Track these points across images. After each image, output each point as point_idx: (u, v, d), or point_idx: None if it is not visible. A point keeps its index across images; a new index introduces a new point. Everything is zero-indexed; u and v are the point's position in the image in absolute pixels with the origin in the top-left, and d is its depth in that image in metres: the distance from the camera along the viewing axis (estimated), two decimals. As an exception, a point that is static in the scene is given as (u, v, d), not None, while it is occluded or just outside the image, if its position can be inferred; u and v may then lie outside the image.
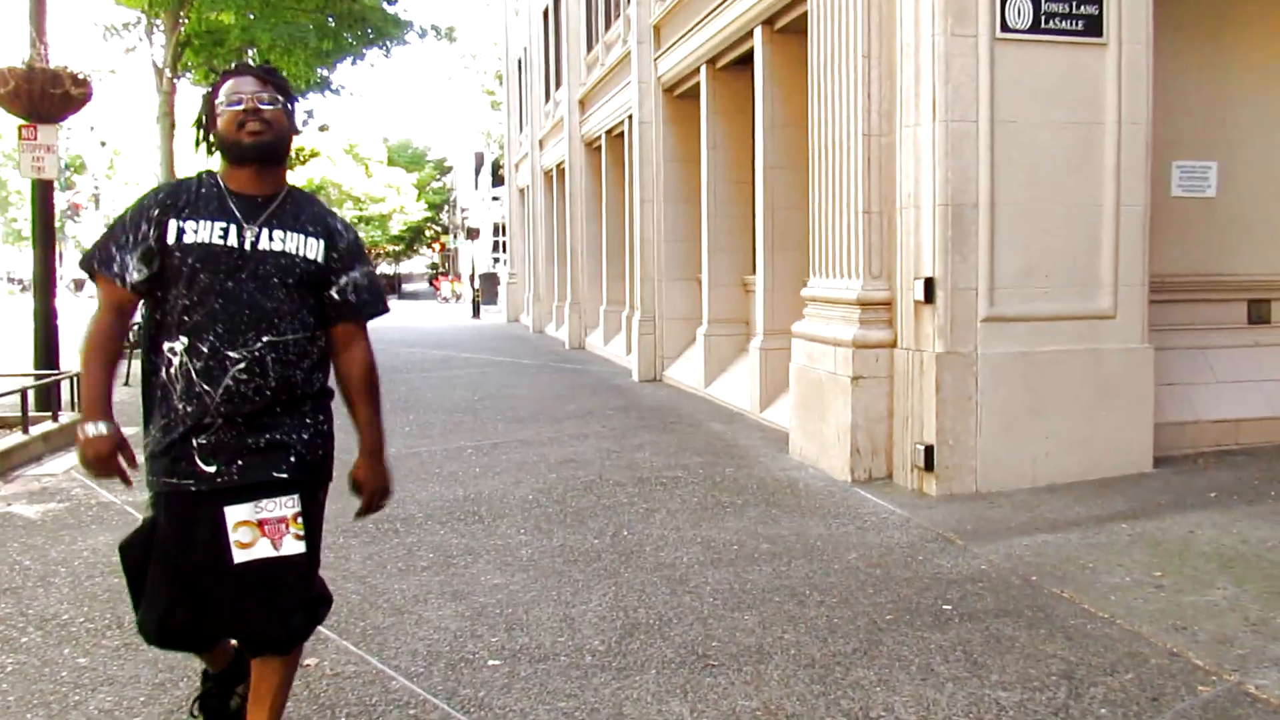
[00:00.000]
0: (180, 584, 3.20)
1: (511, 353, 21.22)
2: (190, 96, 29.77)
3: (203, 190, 3.25)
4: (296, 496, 3.21)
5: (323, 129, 46.04)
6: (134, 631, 3.88)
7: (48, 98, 11.42)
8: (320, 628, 4.02)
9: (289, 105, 3.36)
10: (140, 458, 3.24)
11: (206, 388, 3.13)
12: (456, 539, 6.58)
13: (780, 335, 10.41)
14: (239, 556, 3.12)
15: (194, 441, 3.14)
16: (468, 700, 4.12)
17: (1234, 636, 4.60)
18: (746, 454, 9.31)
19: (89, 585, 5.64)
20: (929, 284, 7.45)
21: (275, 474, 3.18)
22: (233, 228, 3.20)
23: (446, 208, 79.57)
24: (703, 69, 13.38)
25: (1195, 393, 8.83)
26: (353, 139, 73.97)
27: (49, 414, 10.42)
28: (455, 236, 72.51)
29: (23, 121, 11.63)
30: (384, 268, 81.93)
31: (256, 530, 3.15)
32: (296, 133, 3.39)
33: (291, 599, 3.22)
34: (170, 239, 3.17)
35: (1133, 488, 7.40)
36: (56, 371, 11.45)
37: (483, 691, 4.20)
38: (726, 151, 13.18)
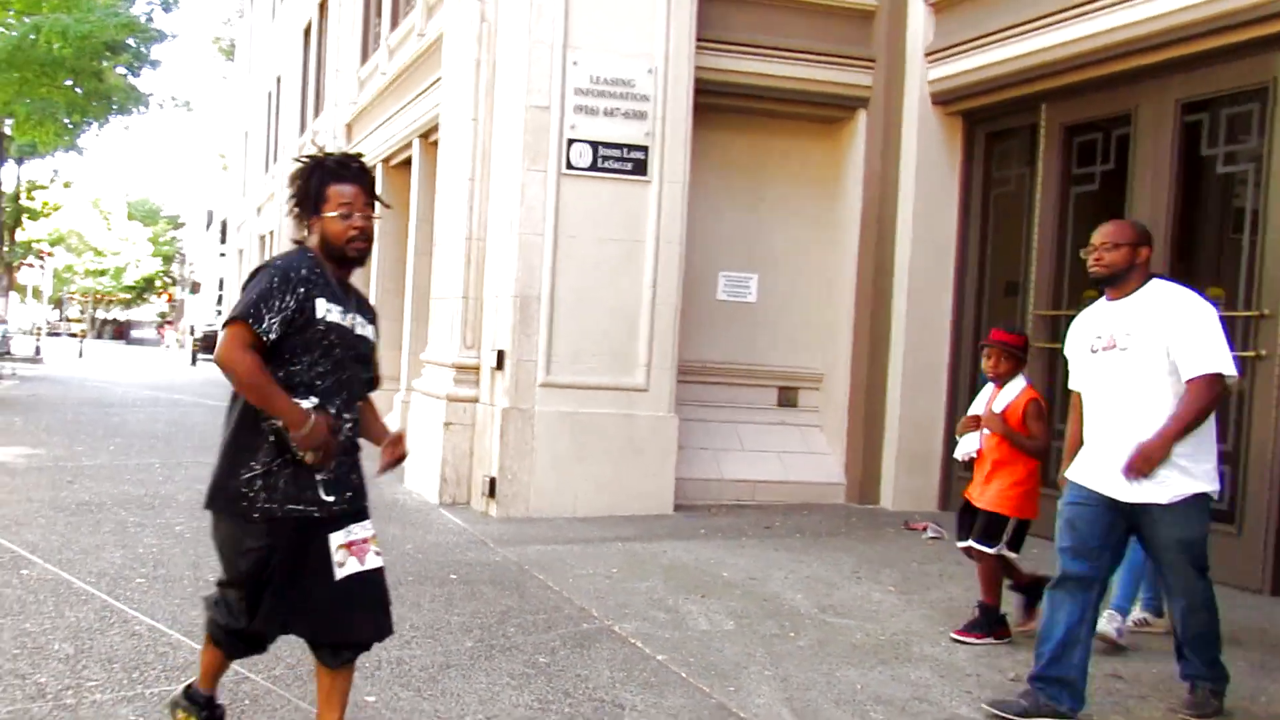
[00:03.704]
0: (282, 591, 3.65)
1: (215, 397, 22.01)
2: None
3: (322, 273, 3.64)
4: (369, 522, 3.78)
5: (66, 185, 45.64)
6: None
7: None
8: (31, 555, 6.76)
9: (374, 207, 3.78)
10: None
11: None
12: (132, 518, 8.28)
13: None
14: (338, 573, 3.63)
15: (317, 477, 3.61)
16: (123, 597, 5.99)
17: (629, 604, 6.39)
18: (372, 482, 10.81)
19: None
20: (500, 355, 9.21)
21: (363, 505, 3.79)
22: (346, 313, 3.67)
23: (178, 260, 78.70)
24: (379, 166, 14.98)
25: (724, 457, 10.73)
26: (97, 193, 73.74)
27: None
28: (184, 289, 72.37)
29: None
30: (115, 314, 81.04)
31: (347, 551, 3.66)
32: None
33: (378, 602, 3.77)
34: (318, 314, 3.56)
35: (647, 523, 9.16)
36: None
37: (135, 594, 6.07)
38: (393, 237, 14.72)
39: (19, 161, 36.40)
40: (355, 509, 3.73)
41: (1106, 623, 5.66)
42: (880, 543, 8.87)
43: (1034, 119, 9.65)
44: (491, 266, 9.60)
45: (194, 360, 40.06)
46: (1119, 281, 4.70)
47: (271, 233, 25.77)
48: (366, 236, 3.66)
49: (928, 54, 10.41)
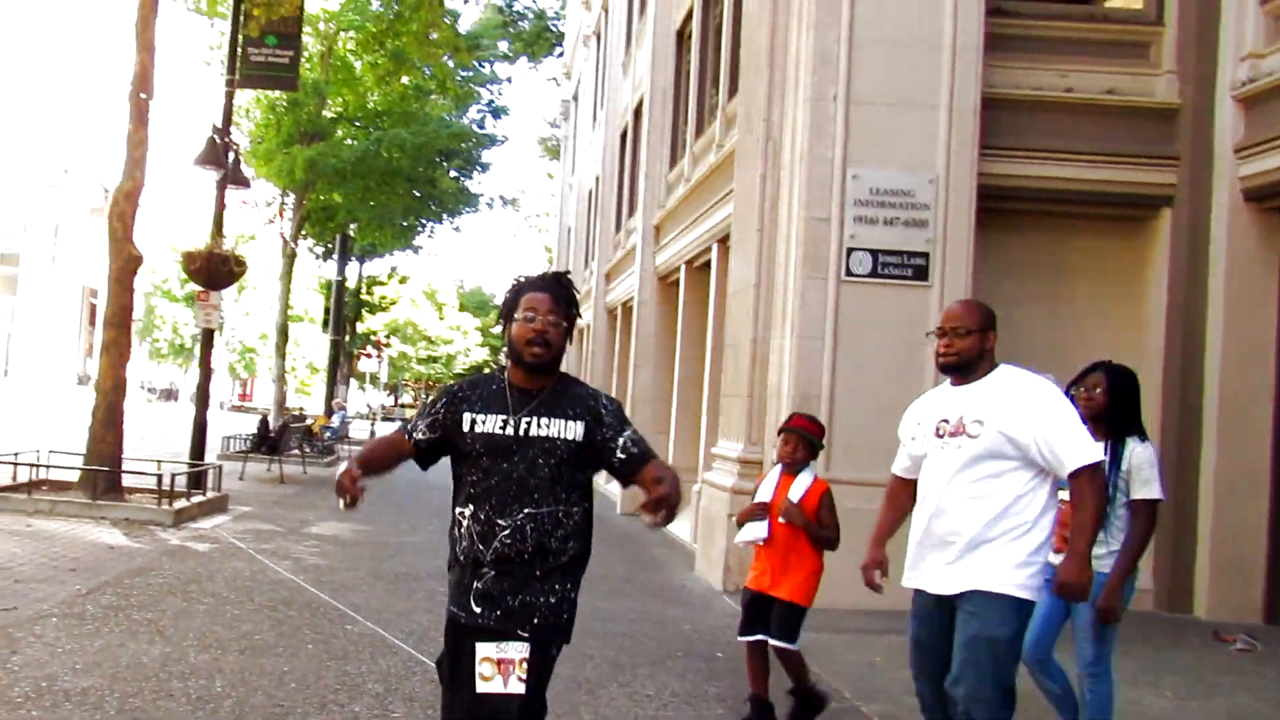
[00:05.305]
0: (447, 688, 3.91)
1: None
2: (305, 260, 37.29)
3: (493, 387, 3.88)
4: (528, 645, 3.72)
5: (403, 281, 50.30)
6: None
7: (219, 273, 15.81)
8: (355, 614, 8.38)
9: (572, 318, 3.88)
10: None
11: (481, 547, 3.76)
12: (441, 588, 9.45)
13: (710, 484, 12.96)
14: (480, 687, 3.70)
15: (473, 585, 3.78)
16: (426, 652, 7.18)
17: (883, 689, 7.12)
18: (663, 567, 12.00)
19: (234, 582, 9.53)
20: (781, 451, 10.02)
21: (519, 631, 3.72)
22: (510, 419, 3.78)
23: (504, 351, 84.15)
24: (682, 266, 16.26)
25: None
26: (432, 285, 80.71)
27: (200, 490, 14.78)
28: (507, 377, 77.68)
29: (201, 288, 16.17)
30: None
31: (495, 667, 3.70)
32: (570, 341, 3.91)
33: None
34: (465, 427, 3.82)
35: (925, 615, 9.74)
36: (204, 463, 15.71)
37: (438, 650, 6.94)
38: (694, 333, 15.93)
39: (361, 260, 40.32)
40: (510, 629, 3.74)
41: None
42: (1177, 650, 8.89)
43: (1360, 213, 9.49)
44: (774, 366, 10.52)
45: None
46: (968, 370, 4.48)
47: (586, 328, 27.56)
48: (545, 341, 3.74)
49: (1237, 150, 10.53)
